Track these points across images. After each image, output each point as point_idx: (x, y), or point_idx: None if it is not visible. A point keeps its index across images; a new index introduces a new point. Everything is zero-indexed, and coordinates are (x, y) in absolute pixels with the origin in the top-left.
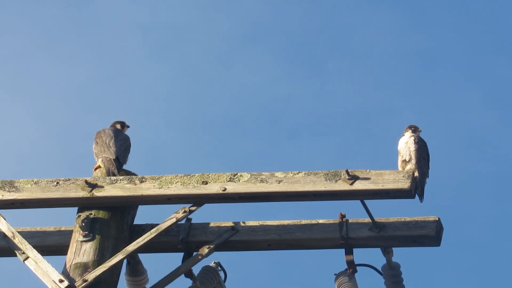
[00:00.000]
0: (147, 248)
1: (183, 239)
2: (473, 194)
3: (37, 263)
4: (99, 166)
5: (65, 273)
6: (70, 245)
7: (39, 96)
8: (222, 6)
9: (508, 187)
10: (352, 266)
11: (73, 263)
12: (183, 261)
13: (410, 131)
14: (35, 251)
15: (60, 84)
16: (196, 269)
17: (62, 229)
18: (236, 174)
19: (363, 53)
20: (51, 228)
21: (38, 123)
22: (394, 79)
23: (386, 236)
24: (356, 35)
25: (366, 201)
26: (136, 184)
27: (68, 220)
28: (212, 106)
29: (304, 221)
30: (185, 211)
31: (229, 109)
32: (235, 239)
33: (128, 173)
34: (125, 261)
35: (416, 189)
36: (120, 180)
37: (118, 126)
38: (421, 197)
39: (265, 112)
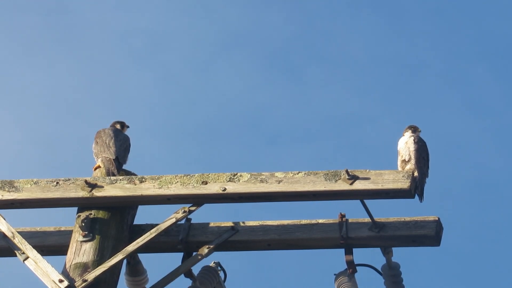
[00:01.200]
0: (147, 248)
1: (183, 239)
2: (452, 199)
3: (37, 263)
4: (99, 166)
5: (65, 273)
6: (70, 245)
7: (21, 102)
8: (202, 13)
9: (485, 193)
10: (352, 266)
11: (73, 263)
12: (182, 261)
13: (410, 131)
14: (35, 251)
15: (42, 91)
16: (196, 269)
17: (62, 229)
18: (236, 174)
19: (342, 60)
20: (51, 228)
21: (20, 130)
22: (374, 86)
23: (386, 236)
24: (335, 42)
25: (366, 201)
26: (136, 184)
27: (68, 220)
28: (192, 113)
29: (304, 221)
30: (184, 211)
31: (209, 116)
32: (235, 239)
33: (128, 173)
34: (125, 261)
35: (416, 189)
36: (120, 180)
37: (118, 126)
38: (421, 197)
39: (245, 119)
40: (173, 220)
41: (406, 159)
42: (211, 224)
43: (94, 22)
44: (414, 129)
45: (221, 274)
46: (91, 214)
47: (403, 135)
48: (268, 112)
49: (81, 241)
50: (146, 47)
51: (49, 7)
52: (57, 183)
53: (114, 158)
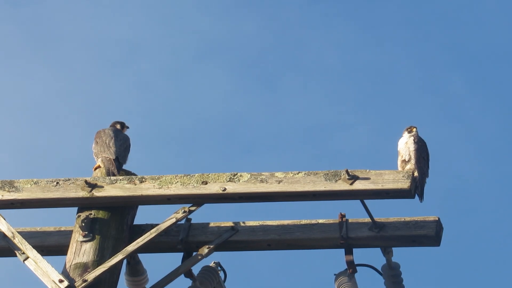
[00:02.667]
0: (147, 248)
1: (183, 239)
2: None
3: (37, 263)
4: (99, 166)
5: (65, 273)
6: (70, 245)
7: None
8: (178, 23)
9: (459, 201)
10: (352, 266)
11: (73, 263)
12: (182, 261)
13: (409, 131)
14: (35, 251)
15: (16, 99)
16: (196, 269)
17: (62, 229)
18: (236, 174)
19: (317, 69)
20: (51, 228)
21: None
22: (348, 94)
23: (386, 236)
24: (310, 51)
25: (366, 201)
26: (136, 184)
27: (68, 220)
28: (167, 122)
29: (304, 221)
30: (185, 211)
31: (185, 124)
32: (235, 239)
33: (128, 173)
34: (125, 261)
35: (416, 189)
36: (120, 180)
37: (118, 126)
38: (421, 197)
39: (220, 127)
40: (173, 220)
41: (406, 159)
42: (211, 224)
43: (71, 32)
44: (410, 129)
45: (221, 274)
46: (91, 214)
47: (402, 135)
48: (243, 121)
49: (81, 241)
50: (121, 55)
51: (26, 16)
52: (57, 183)
53: (114, 158)
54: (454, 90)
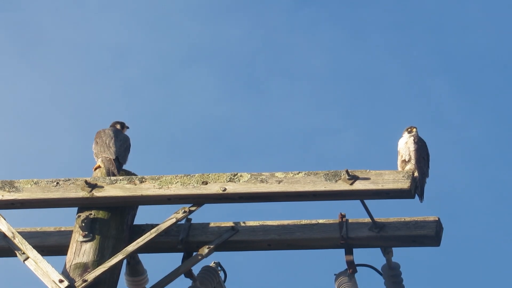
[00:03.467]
0: (147, 248)
1: (183, 239)
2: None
3: (37, 263)
4: (99, 166)
5: (65, 273)
6: (70, 245)
7: None
8: (165, 28)
9: (447, 205)
10: (352, 266)
11: (73, 263)
12: (183, 261)
13: (409, 131)
14: (35, 251)
15: (4, 104)
16: (196, 269)
17: (62, 229)
18: (236, 174)
19: (304, 74)
20: (51, 228)
21: None
22: (335, 99)
23: (386, 236)
24: (297, 56)
25: (366, 201)
26: (136, 184)
27: (68, 220)
28: (154, 127)
29: (304, 221)
30: (185, 211)
31: (172, 129)
32: (235, 239)
33: (128, 173)
34: (125, 261)
35: (416, 189)
36: (120, 180)
37: (118, 126)
38: (421, 197)
39: (208, 132)
40: (173, 220)
41: (406, 159)
42: (211, 224)
43: (55, 36)
44: (410, 130)
45: (221, 274)
46: (91, 214)
47: (402, 136)
48: (231, 125)
49: (81, 241)
50: (107, 61)
51: (13, 21)
52: (57, 183)
53: (114, 158)
54: (440, 94)
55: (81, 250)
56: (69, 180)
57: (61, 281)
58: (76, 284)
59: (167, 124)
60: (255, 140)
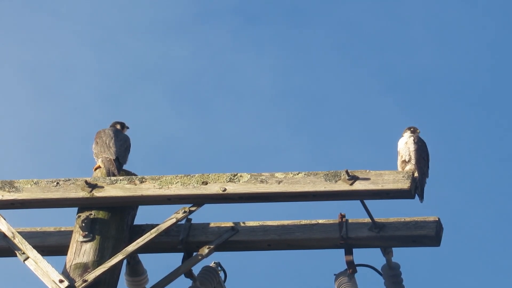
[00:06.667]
0: (147, 248)
1: (183, 239)
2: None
3: (37, 263)
4: (99, 166)
5: (65, 273)
6: (70, 246)
7: None
8: (110, 47)
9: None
10: (352, 266)
11: (73, 263)
12: (183, 261)
13: (409, 131)
14: (35, 251)
15: None
16: (196, 269)
17: (62, 229)
18: (236, 174)
19: (249, 93)
20: (51, 228)
21: None
22: (281, 118)
23: (386, 236)
24: (242, 75)
25: (366, 201)
26: (136, 185)
27: (68, 220)
28: None
29: (304, 221)
30: (185, 212)
31: None
32: (235, 239)
33: (128, 173)
34: (125, 261)
35: (416, 189)
36: (120, 180)
37: (118, 127)
38: (421, 197)
39: (155, 151)
40: (174, 220)
41: (406, 160)
42: (211, 224)
43: (1, 56)
44: (414, 130)
45: (221, 274)
46: (91, 214)
47: (402, 136)
48: (178, 144)
49: (81, 242)
50: (53, 80)
51: None
52: (57, 183)
53: (114, 158)
54: (386, 114)
55: (81, 250)
56: (69, 180)
57: (61, 281)
58: (76, 284)
59: None
60: (203, 159)
